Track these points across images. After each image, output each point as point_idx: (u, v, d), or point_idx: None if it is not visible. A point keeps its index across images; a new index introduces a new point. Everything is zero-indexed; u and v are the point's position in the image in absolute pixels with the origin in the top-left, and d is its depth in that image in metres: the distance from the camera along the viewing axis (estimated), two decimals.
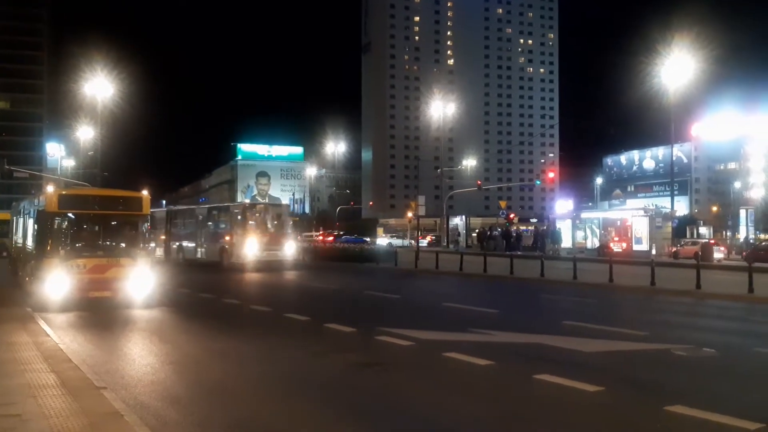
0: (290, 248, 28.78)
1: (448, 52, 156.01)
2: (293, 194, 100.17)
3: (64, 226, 14.82)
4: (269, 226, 28.83)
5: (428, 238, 63.17)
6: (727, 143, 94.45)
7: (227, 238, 28.41)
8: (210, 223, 30.87)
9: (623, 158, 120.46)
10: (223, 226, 29.68)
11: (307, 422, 6.40)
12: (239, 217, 28.58)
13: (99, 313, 13.83)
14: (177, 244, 32.38)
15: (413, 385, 7.89)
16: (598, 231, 39.01)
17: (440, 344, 10.10)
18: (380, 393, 7.56)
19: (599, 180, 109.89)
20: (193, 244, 31.08)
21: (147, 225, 15.72)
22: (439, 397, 7.34)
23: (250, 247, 27.29)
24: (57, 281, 13.95)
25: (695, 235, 52.41)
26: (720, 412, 6.29)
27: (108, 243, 15.34)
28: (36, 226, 15.54)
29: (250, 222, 28.31)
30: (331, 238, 56.65)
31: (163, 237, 33.15)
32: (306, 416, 6.59)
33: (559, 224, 42.29)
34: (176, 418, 6.46)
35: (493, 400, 7.26)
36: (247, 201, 31.00)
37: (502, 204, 58.05)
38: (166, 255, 32.45)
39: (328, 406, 6.92)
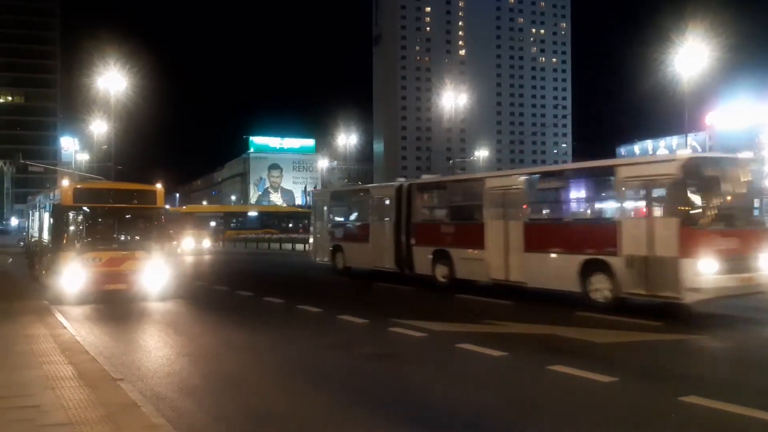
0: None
1: (460, 42, 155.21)
2: (305, 186, 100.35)
3: (79, 220, 14.95)
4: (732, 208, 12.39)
5: None
6: (741, 132, 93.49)
7: (616, 238, 12.20)
8: (555, 205, 15.18)
9: (637, 148, 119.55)
10: (599, 211, 13.93)
11: (321, 410, 6.45)
12: (674, 188, 11.68)
13: (115, 306, 13.99)
14: (438, 254, 16.90)
15: (427, 375, 7.92)
16: None
17: (453, 335, 10.13)
18: (394, 383, 7.59)
19: None
20: (469, 249, 15.98)
21: (162, 218, 15.87)
22: (453, 387, 7.36)
23: (705, 264, 10.98)
24: (73, 274, 14.10)
25: None
26: (736, 402, 6.26)
27: (123, 236, 15.47)
28: (51, 219, 15.66)
29: (691, 203, 11.54)
30: None
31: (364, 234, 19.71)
32: (319, 404, 6.65)
33: None
34: (192, 408, 6.53)
35: (505, 390, 7.28)
36: (688, 152, 14.77)
37: None
38: (387, 257, 18.79)
39: (340, 395, 6.96)
